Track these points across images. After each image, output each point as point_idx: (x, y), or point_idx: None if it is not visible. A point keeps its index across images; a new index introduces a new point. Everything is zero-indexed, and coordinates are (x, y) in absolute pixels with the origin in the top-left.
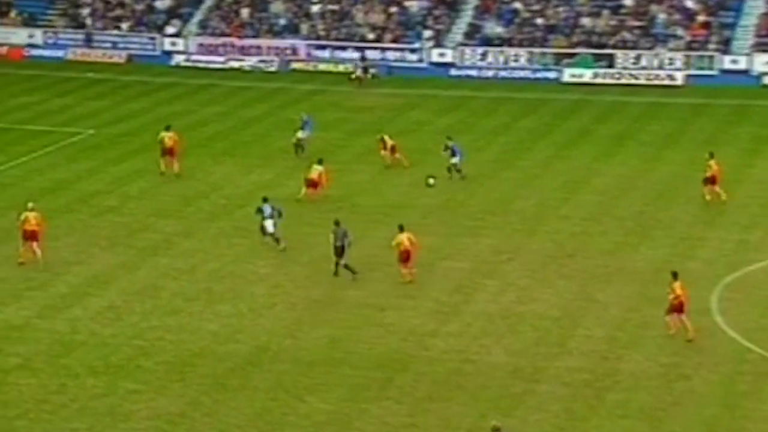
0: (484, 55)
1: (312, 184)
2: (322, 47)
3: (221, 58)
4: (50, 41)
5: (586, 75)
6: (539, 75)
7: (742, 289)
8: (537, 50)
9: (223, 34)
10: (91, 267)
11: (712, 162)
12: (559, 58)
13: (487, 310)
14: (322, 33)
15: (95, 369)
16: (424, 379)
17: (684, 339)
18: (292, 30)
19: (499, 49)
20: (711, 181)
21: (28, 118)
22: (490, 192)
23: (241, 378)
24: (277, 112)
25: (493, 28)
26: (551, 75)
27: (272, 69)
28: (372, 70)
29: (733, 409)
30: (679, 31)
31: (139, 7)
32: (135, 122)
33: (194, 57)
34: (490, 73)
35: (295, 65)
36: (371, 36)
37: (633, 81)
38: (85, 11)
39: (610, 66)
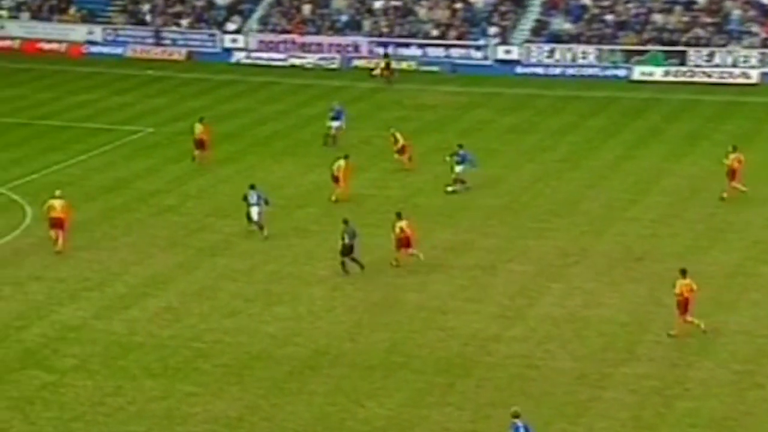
0: (551, 53)
1: (335, 179)
2: (385, 44)
3: (282, 55)
4: (110, 38)
5: (657, 73)
6: (608, 73)
7: None
8: (606, 47)
9: (283, 31)
10: (149, 267)
11: (733, 156)
12: (629, 55)
13: (552, 315)
14: (384, 30)
15: (152, 371)
16: (487, 384)
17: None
18: (354, 27)
19: (567, 46)
20: (731, 175)
21: (87, 116)
22: (556, 192)
23: (300, 382)
24: None
25: (561, 24)
26: (620, 73)
27: (333, 66)
28: (393, 66)
29: None
30: (755, 28)
31: (200, 3)
32: (194, 120)
33: (254, 54)
34: (557, 71)
35: (356, 62)
36: (435, 33)
37: (705, 79)
38: (145, 7)
39: (682, 64)
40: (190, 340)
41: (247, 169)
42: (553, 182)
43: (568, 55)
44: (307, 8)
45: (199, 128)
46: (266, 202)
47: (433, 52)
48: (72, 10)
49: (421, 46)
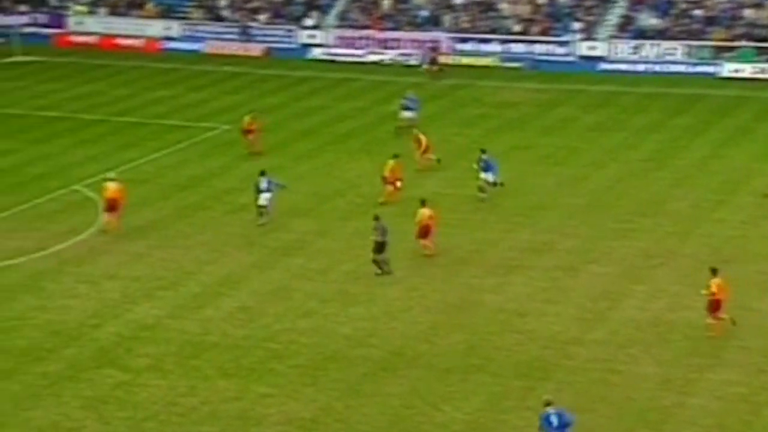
0: (636, 49)
1: (384, 180)
2: (465, 40)
3: (360, 52)
4: (187, 33)
5: (747, 69)
6: (696, 69)
7: None
8: (694, 43)
9: (362, 27)
10: (224, 266)
11: None
12: (718, 51)
13: (635, 318)
14: (465, 25)
15: (226, 371)
16: (567, 389)
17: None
18: (435, 22)
19: (653, 42)
20: None
21: (163, 113)
22: (641, 192)
23: (375, 384)
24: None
25: (648, 19)
26: (709, 69)
27: (413, 63)
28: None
29: None
30: None
31: None
32: (271, 117)
33: (333, 50)
34: (643, 68)
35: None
36: (517, 28)
37: None
38: (223, 2)
39: None
40: (264, 340)
41: (323, 167)
42: (638, 182)
43: (655, 52)
44: (386, 3)
45: (246, 120)
46: (280, 187)
47: (515, 48)
48: (149, 6)
49: (502, 41)
